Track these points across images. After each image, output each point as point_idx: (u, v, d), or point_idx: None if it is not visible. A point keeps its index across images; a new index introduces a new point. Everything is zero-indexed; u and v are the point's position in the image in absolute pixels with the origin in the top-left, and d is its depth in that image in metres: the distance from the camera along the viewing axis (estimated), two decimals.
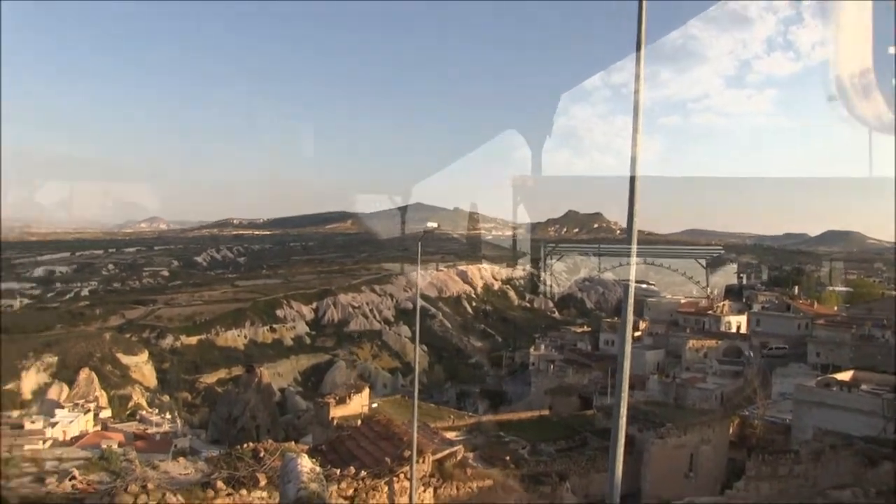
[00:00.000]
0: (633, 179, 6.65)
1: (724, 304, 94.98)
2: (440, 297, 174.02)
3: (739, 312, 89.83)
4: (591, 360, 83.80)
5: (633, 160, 6.72)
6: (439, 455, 23.19)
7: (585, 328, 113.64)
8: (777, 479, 25.70)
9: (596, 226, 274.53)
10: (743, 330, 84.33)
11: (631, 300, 7.60)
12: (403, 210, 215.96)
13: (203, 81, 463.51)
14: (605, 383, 59.43)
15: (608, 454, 9.66)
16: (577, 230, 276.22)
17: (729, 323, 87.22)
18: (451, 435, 35.92)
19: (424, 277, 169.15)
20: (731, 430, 42.52)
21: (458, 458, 24.21)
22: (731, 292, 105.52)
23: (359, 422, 33.52)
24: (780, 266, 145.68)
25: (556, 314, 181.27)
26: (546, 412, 57.00)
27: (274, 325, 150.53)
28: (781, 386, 55.95)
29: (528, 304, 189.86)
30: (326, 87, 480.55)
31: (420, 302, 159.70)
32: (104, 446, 22.63)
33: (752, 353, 73.21)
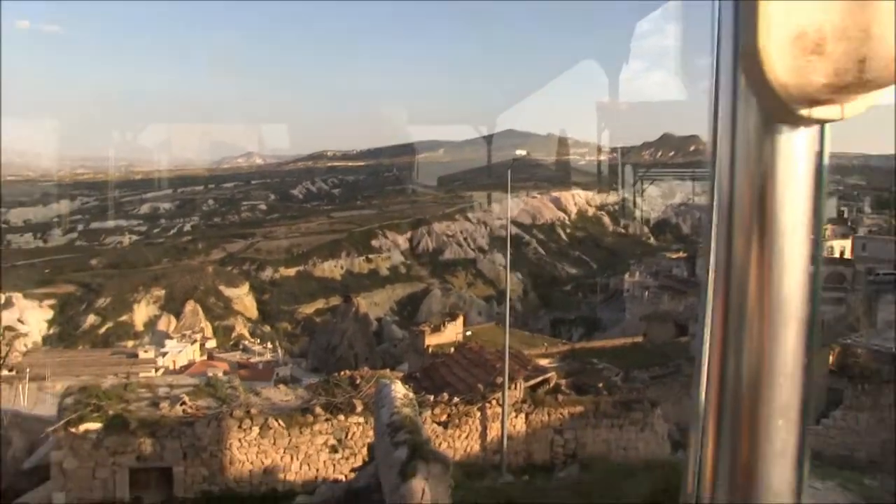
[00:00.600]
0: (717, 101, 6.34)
1: (826, 228, 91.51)
2: (534, 225, 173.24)
3: (843, 237, 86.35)
4: (686, 287, 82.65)
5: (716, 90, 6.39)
6: (531, 382, 23.45)
7: (681, 254, 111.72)
8: (878, 409, 25.11)
9: (692, 149, 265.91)
10: (847, 255, 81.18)
11: (715, 226, 7.36)
12: (489, 139, 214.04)
13: (294, 14, 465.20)
14: None
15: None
16: (672, 153, 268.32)
17: (832, 248, 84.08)
18: (544, 362, 36.24)
19: (517, 204, 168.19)
20: (831, 359, 41.51)
21: (551, 384, 24.45)
22: (834, 216, 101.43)
23: (452, 349, 34.14)
24: (889, 188, 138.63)
25: (652, 240, 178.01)
26: (640, 339, 56.87)
27: (370, 256, 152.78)
28: (888, 313, 53.98)
29: (622, 230, 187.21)
30: (413, 15, 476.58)
31: (513, 229, 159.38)
32: (210, 374, 23.77)
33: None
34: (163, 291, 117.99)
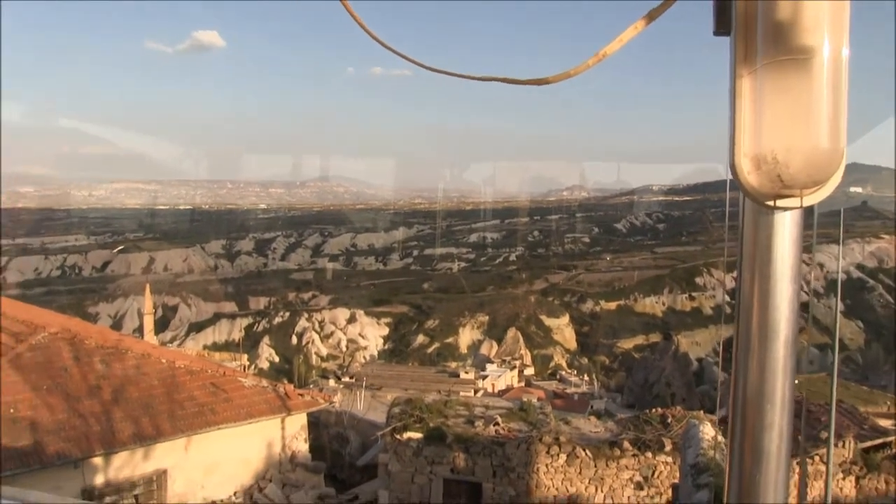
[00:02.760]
0: None
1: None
2: (880, 269, 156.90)
3: None
4: None
5: None
6: (868, 444, 21.40)
7: None
8: None
9: None
10: None
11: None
12: None
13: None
14: None
15: None
16: None
17: None
18: (885, 423, 32.79)
19: (861, 247, 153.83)
20: None
21: (894, 449, 22.12)
22: None
23: None
24: None
25: None
26: None
27: (693, 293, 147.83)
28: None
29: None
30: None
31: (855, 273, 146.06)
32: (524, 399, 24.54)
33: None
34: (486, 317, 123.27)
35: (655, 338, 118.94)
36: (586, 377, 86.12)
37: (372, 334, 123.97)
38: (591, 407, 60.10)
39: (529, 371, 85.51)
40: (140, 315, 67.99)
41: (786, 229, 1.90)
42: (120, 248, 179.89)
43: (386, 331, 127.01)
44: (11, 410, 15.31)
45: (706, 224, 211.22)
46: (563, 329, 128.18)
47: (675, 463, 17.58)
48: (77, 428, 15.54)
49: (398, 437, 18.84)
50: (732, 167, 1.84)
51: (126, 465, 16.04)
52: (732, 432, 2.07)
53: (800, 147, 1.72)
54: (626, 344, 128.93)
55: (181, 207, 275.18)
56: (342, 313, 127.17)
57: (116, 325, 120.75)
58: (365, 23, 2.19)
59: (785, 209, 1.87)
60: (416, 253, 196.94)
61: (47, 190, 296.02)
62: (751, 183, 1.81)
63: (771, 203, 1.85)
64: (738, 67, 1.82)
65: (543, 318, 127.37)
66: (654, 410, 22.72)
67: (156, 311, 58.46)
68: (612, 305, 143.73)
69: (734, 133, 1.82)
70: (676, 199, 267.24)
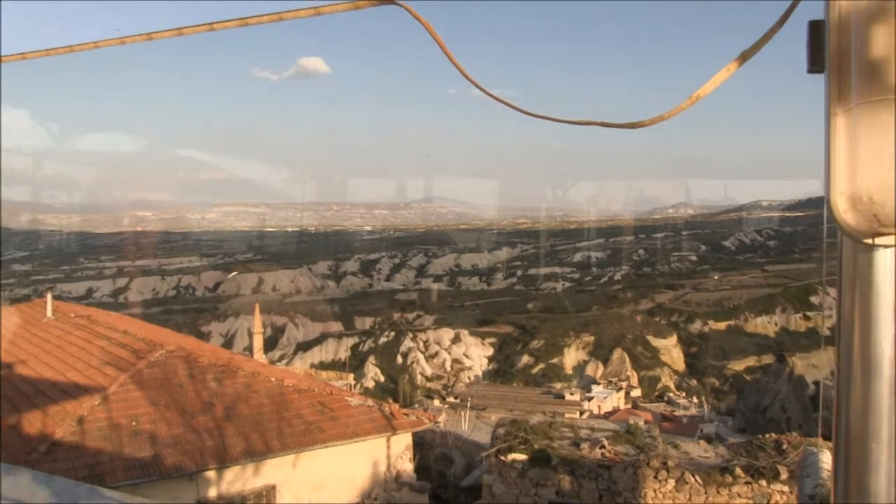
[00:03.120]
0: None
1: None
2: None
3: None
4: None
5: None
6: None
7: None
8: None
9: None
10: None
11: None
12: None
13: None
14: None
15: None
16: None
17: None
18: None
19: None
20: None
21: None
22: None
23: None
24: None
25: None
26: None
27: (808, 313, 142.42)
28: None
29: None
30: None
31: None
32: (631, 422, 24.14)
33: None
34: (592, 338, 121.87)
35: (768, 359, 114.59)
36: (695, 399, 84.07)
37: (476, 354, 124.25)
38: (701, 431, 58.45)
39: (636, 393, 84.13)
40: (250, 334, 70.18)
41: (887, 266, 1.83)
42: (234, 272, 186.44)
43: (490, 351, 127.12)
44: (133, 423, 16.13)
45: (820, 241, 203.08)
46: (670, 350, 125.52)
47: (791, 492, 16.95)
48: (192, 442, 16.20)
49: (503, 458, 18.83)
50: (828, 205, 1.81)
51: (237, 480, 16.60)
52: (836, 471, 1.98)
53: None
54: (737, 365, 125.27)
55: (289, 229, 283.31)
56: (447, 333, 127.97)
57: (227, 343, 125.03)
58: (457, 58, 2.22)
59: (885, 247, 1.82)
60: (520, 273, 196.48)
61: (164, 214, 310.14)
62: (847, 221, 1.78)
63: (869, 241, 1.81)
64: (833, 106, 1.77)
65: (650, 338, 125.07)
66: (768, 436, 21.94)
67: (265, 331, 60.23)
68: (722, 325, 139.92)
69: (829, 171, 1.79)
70: (788, 214, 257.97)
